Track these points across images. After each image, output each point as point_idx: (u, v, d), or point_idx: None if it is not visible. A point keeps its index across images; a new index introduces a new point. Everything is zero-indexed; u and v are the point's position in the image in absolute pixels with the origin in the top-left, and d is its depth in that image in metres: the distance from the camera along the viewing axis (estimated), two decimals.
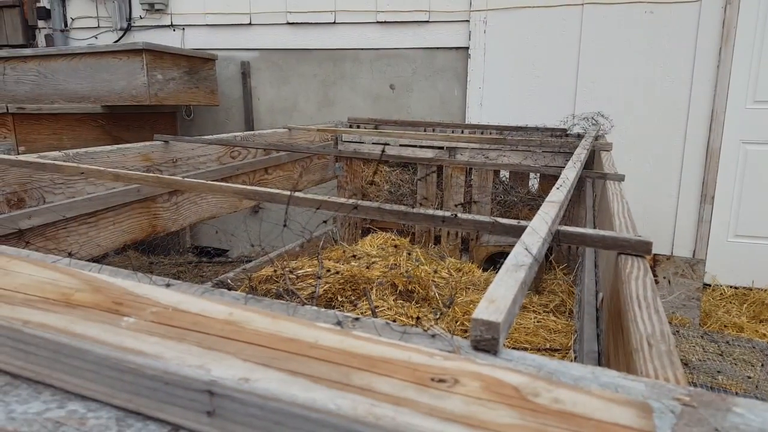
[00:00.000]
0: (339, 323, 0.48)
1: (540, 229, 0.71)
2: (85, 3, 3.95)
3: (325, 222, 3.12)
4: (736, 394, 1.90)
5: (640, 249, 0.75)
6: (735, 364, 2.13)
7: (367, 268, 2.18)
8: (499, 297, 0.47)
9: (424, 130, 2.80)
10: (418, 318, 1.85)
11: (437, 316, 1.90)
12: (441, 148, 2.66)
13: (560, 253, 2.52)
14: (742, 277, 2.96)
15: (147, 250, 3.64)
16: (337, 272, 2.07)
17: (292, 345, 0.41)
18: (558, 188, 1.03)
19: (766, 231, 2.91)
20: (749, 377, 2.00)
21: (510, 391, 0.36)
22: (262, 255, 2.68)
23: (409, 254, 2.40)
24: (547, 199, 0.93)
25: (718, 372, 2.04)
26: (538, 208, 0.84)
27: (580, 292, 1.55)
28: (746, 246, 2.94)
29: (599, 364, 0.90)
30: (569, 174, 1.22)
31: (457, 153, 2.64)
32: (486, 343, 0.43)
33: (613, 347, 0.74)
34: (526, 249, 0.59)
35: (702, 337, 2.33)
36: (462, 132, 2.74)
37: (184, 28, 3.77)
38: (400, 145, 2.74)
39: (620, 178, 1.45)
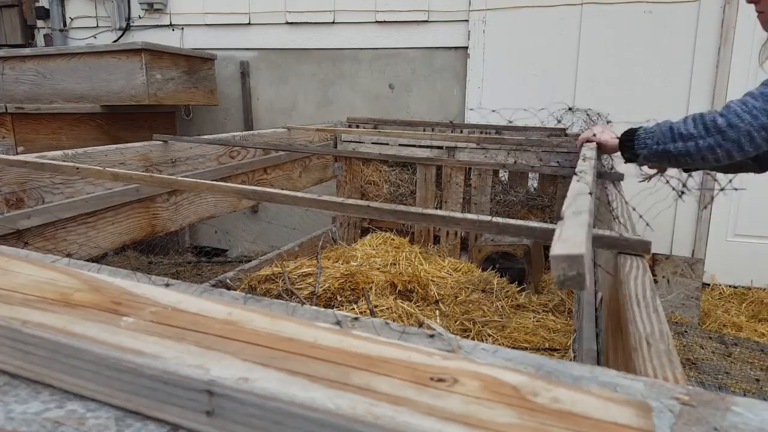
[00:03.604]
0: (338, 323, 0.48)
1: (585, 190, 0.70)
2: (84, 3, 3.95)
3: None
4: (744, 394, 1.90)
5: (639, 248, 0.75)
6: (734, 363, 2.13)
7: (367, 267, 2.19)
8: (570, 236, 0.45)
9: (423, 130, 2.80)
10: (418, 318, 1.85)
11: (437, 316, 1.90)
12: (440, 147, 2.66)
13: None
14: (741, 276, 2.96)
15: (146, 250, 3.64)
16: (337, 272, 2.07)
17: (291, 345, 0.41)
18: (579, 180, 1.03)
19: (765, 230, 2.92)
20: (757, 380, 2.00)
21: (509, 390, 0.36)
22: (261, 255, 2.68)
23: (409, 254, 2.40)
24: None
25: (726, 373, 2.03)
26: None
27: (580, 291, 1.55)
28: (745, 245, 2.94)
29: (598, 363, 0.90)
30: (584, 167, 1.22)
31: (457, 153, 2.64)
32: (572, 280, 0.40)
33: (612, 346, 0.74)
34: (583, 190, 0.57)
35: (702, 336, 2.33)
36: (461, 132, 2.74)
37: (183, 28, 3.76)
38: (400, 145, 2.74)
39: (619, 178, 1.45)
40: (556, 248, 0.42)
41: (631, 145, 1.43)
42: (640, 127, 1.44)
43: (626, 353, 0.53)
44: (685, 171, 1.53)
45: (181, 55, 3.24)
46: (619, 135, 1.49)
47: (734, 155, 1.26)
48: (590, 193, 0.66)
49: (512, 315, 1.99)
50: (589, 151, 1.38)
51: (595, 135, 1.57)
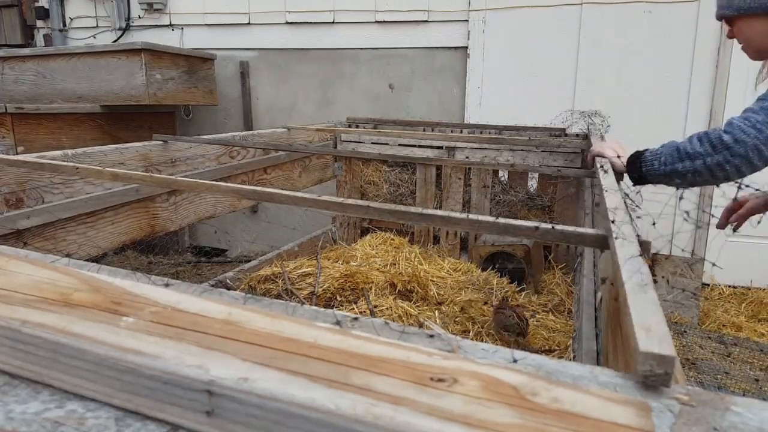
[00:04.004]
0: (338, 323, 0.48)
1: (631, 242, 0.69)
2: (84, 3, 3.95)
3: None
4: (743, 394, 1.90)
5: None
6: (733, 363, 2.13)
7: (367, 267, 2.19)
8: (652, 324, 0.45)
9: (423, 130, 2.80)
10: (418, 318, 1.85)
11: (436, 316, 1.90)
12: (440, 147, 2.66)
13: (559, 252, 2.52)
14: (741, 276, 2.96)
15: (146, 250, 3.63)
16: (336, 272, 2.07)
17: (291, 345, 0.41)
18: (607, 191, 1.03)
19: (765, 231, 2.91)
20: (757, 380, 1.99)
21: (509, 390, 0.36)
22: (261, 255, 2.68)
23: (409, 254, 2.40)
24: (608, 206, 0.89)
25: (726, 373, 2.03)
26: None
27: (579, 291, 1.55)
28: (745, 245, 2.94)
29: (598, 363, 0.90)
30: (607, 181, 1.21)
31: (456, 153, 2.64)
32: (657, 378, 0.40)
33: (611, 346, 0.74)
34: (640, 271, 0.57)
35: (702, 336, 2.33)
36: (461, 132, 2.74)
37: (182, 28, 3.76)
38: (399, 145, 2.74)
39: (619, 178, 1.45)
40: (645, 343, 0.41)
41: (638, 167, 1.44)
42: (645, 150, 1.46)
43: (626, 353, 0.53)
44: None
45: (181, 55, 3.24)
46: (627, 158, 1.50)
47: (743, 170, 1.27)
48: (641, 255, 0.63)
49: None
50: (608, 179, 1.26)
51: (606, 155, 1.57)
